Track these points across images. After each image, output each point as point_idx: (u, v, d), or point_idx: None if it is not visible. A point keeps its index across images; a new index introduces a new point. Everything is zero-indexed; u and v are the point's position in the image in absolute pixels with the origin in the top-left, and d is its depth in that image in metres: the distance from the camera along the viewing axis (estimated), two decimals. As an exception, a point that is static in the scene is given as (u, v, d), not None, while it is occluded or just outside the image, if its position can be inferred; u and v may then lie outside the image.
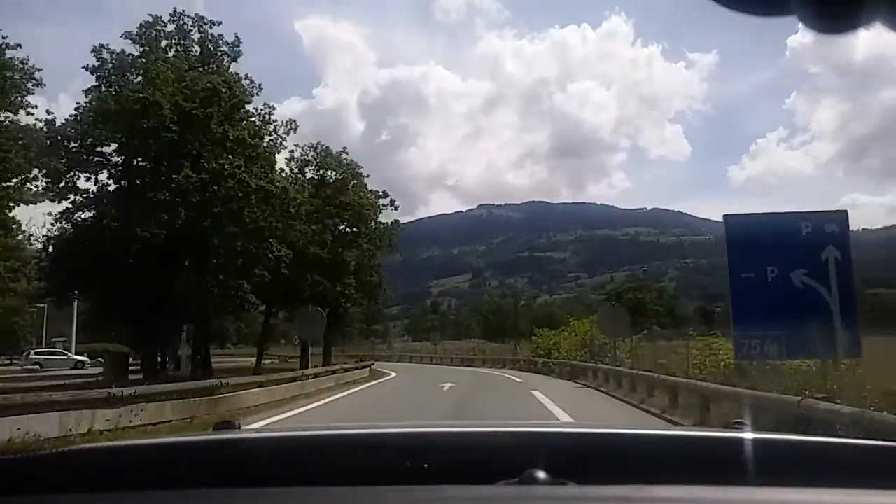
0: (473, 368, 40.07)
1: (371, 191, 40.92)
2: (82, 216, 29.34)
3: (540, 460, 1.25)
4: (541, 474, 1.20)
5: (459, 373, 35.38)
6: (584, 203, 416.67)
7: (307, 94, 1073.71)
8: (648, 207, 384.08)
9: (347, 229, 39.64)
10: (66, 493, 1.28)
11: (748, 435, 1.48)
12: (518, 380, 28.83)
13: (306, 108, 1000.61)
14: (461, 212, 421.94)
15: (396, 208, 43.56)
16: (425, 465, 1.31)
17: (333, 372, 27.31)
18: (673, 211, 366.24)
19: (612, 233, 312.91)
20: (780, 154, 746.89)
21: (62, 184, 28.15)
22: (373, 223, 40.20)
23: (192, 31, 30.51)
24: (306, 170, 38.96)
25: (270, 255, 29.39)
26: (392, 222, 43.35)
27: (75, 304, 37.99)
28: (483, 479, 1.21)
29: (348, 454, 1.46)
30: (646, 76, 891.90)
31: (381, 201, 41.27)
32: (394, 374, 34.73)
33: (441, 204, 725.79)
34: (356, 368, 30.85)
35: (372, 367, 35.54)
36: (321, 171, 39.48)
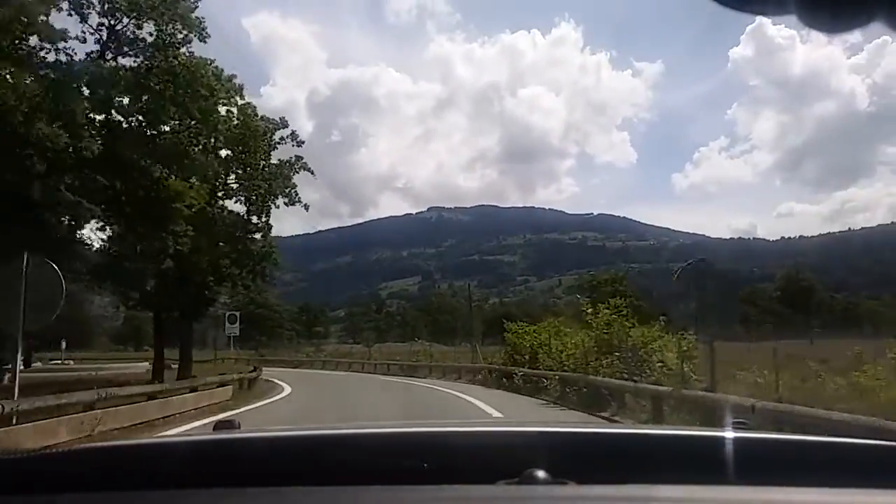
0: (414, 381, 28.31)
1: (263, 117, 27.79)
2: None
3: (540, 460, 1.23)
4: (541, 474, 1.18)
5: (390, 389, 23.75)
6: (533, 207, 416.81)
7: (255, 92, 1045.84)
8: (595, 213, 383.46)
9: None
10: (66, 493, 1.25)
11: (748, 435, 1.47)
12: (488, 408, 15.75)
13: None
14: (411, 214, 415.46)
15: (300, 144, 28.82)
16: (425, 465, 1.28)
17: (192, 390, 16.75)
18: (619, 216, 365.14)
19: (561, 237, 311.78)
20: (722, 162, 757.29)
21: None
22: (262, 162, 27.14)
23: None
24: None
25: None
26: (293, 158, 28.52)
27: None
28: (483, 479, 1.19)
29: (348, 454, 1.43)
30: (594, 83, 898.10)
31: (281, 133, 28.10)
32: (283, 394, 21.75)
33: (391, 206, 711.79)
34: (220, 385, 18.08)
35: (255, 378, 24.61)
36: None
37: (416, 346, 38.67)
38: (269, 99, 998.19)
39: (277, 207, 27.82)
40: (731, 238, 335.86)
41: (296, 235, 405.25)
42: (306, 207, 28.53)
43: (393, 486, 1.18)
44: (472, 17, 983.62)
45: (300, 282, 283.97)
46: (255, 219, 28.04)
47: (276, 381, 26.37)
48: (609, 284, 67.74)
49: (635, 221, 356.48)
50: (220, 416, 16.73)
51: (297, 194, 27.77)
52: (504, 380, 22.57)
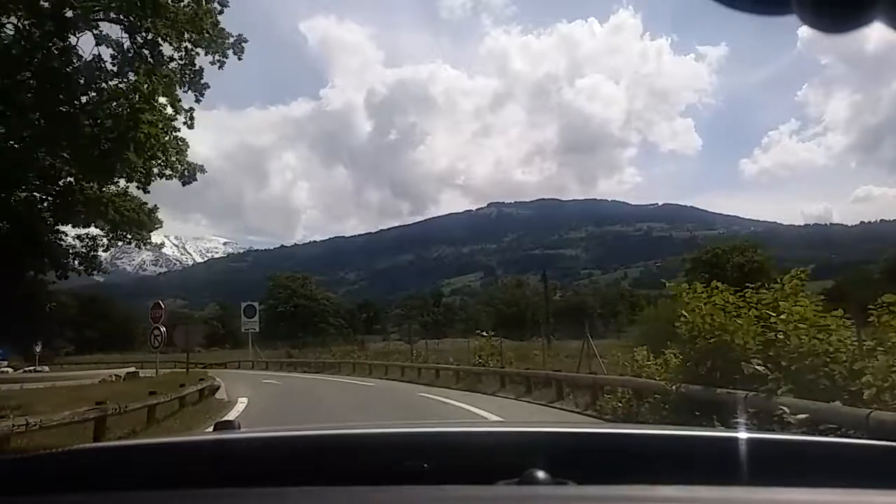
0: (478, 403, 15.39)
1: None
2: None
3: (540, 460, 1.21)
4: (541, 474, 1.16)
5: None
6: (594, 199, 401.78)
7: (314, 94, 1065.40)
8: (660, 203, 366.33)
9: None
10: (66, 493, 1.24)
11: (748, 435, 1.44)
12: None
13: (314, 110, 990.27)
14: (471, 210, 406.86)
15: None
16: (425, 465, 1.27)
17: None
18: (685, 206, 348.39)
19: (625, 229, 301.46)
20: (793, 146, 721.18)
21: None
22: None
23: None
24: None
25: None
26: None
27: None
28: (483, 479, 1.17)
29: (348, 454, 1.43)
30: (655, 70, 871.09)
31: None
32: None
33: (451, 203, 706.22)
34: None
35: (206, 394, 16.68)
36: None
37: (478, 342, 26.02)
38: (329, 101, 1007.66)
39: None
40: (805, 224, 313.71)
41: (358, 235, 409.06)
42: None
43: (393, 486, 1.15)
44: (527, 8, 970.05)
45: (362, 280, 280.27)
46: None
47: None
48: (738, 253, 53.84)
49: (702, 210, 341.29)
50: None
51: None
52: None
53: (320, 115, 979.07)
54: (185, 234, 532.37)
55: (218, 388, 18.35)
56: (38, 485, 1.26)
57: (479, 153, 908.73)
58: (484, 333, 24.56)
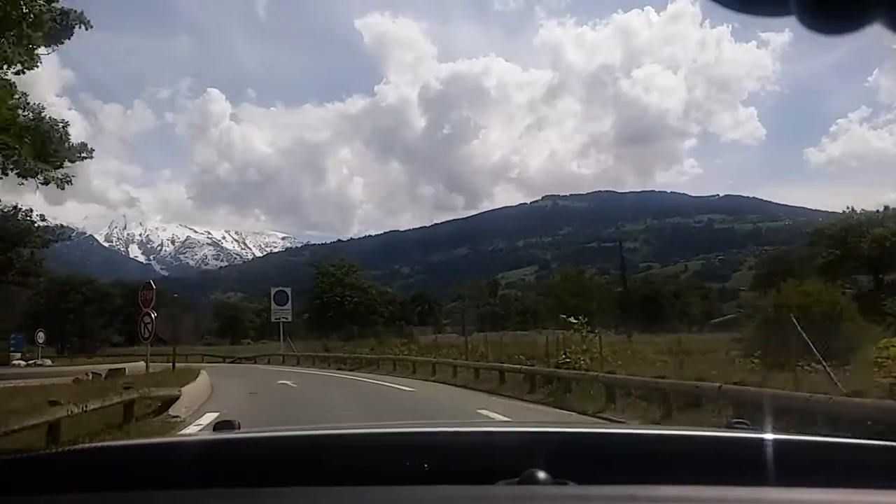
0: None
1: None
2: None
3: (540, 460, 1.19)
4: (541, 474, 1.15)
5: None
6: (653, 191, 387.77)
7: (369, 91, 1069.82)
8: (721, 194, 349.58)
9: None
10: (66, 493, 1.23)
11: (748, 435, 1.46)
12: None
13: (369, 105, 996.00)
14: (525, 204, 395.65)
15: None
16: (425, 465, 1.25)
17: None
18: (748, 197, 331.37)
19: (685, 221, 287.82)
20: (863, 134, 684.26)
21: None
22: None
23: None
24: None
25: None
26: None
27: None
28: (483, 479, 1.16)
29: (348, 454, 1.41)
30: (715, 58, 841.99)
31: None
32: None
33: (505, 196, 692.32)
34: None
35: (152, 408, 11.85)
36: None
37: (557, 334, 19.00)
38: (384, 97, 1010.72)
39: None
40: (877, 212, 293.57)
41: (413, 229, 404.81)
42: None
43: (393, 486, 1.14)
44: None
45: (418, 274, 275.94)
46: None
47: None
48: (877, 225, 44.43)
49: (766, 201, 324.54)
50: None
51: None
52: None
53: (375, 110, 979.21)
54: (245, 229, 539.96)
55: (174, 398, 12.01)
56: (38, 485, 1.24)
57: (534, 146, 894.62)
58: (573, 319, 17.15)
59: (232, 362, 43.69)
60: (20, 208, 38.22)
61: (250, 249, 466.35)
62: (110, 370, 20.96)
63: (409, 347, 31.97)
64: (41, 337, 33.44)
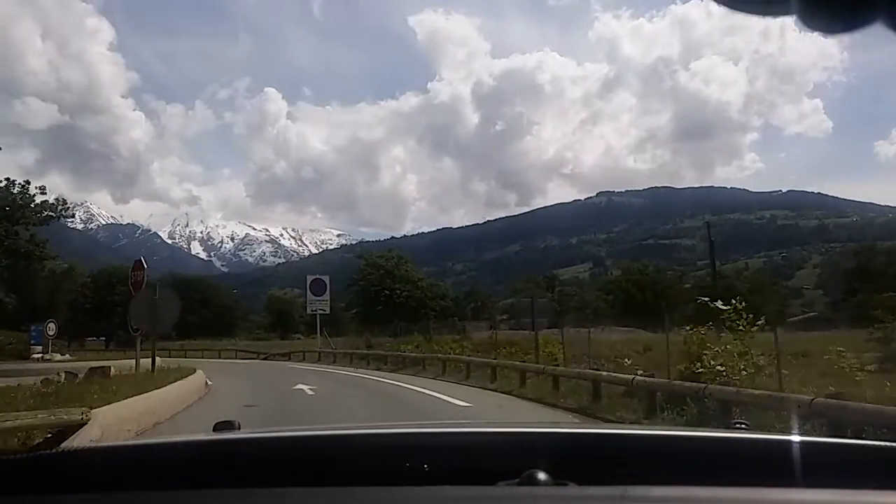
0: None
1: None
2: None
3: (540, 460, 1.18)
4: (541, 475, 1.13)
5: None
6: (711, 187, 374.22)
7: (422, 88, 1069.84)
8: (784, 189, 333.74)
9: None
10: (66, 493, 1.21)
11: (748, 435, 1.45)
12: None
13: (422, 103, 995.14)
14: (579, 200, 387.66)
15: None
16: (425, 466, 1.24)
17: None
18: (812, 192, 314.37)
19: (745, 217, 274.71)
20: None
21: None
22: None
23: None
24: None
25: None
26: None
27: None
28: (483, 479, 1.15)
29: (348, 454, 1.39)
30: (778, 49, 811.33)
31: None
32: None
33: (558, 193, 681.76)
34: None
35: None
36: None
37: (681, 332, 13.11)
38: (436, 94, 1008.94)
39: None
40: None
41: (465, 226, 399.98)
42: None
43: (393, 486, 1.12)
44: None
45: (470, 271, 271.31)
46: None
47: None
48: None
49: (832, 197, 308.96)
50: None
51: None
52: None
53: (428, 107, 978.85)
54: (302, 227, 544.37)
55: (75, 425, 6.94)
56: (38, 485, 1.22)
57: (588, 141, 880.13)
58: (721, 305, 11.15)
59: (265, 359, 39.89)
60: (12, 180, 32.63)
61: (307, 246, 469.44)
62: (90, 369, 16.25)
63: (461, 345, 26.45)
64: (51, 328, 29.40)
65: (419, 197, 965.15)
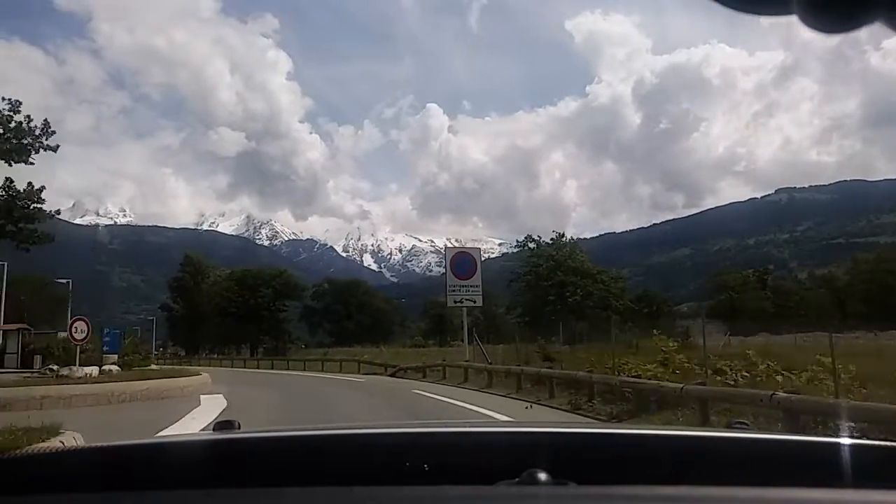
0: None
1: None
2: None
3: (540, 460, 1.16)
4: (541, 474, 1.12)
5: None
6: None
7: (580, 92, 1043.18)
8: None
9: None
10: (66, 493, 1.20)
11: (748, 435, 1.44)
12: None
13: (581, 107, 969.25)
14: (756, 199, 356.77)
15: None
16: (425, 465, 1.22)
17: None
18: None
19: None
20: None
21: None
22: None
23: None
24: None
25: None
26: None
27: None
28: (483, 479, 1.13)
29: (348, 454, 1.39)
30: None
31: None
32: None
33: (731, 192, 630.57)
34: None
35: None
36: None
37: None
38: (596, 96, 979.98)
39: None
40: None
41: (630, 230, 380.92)
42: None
43: (393, 486, 1.12)
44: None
45: (636, 276, 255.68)
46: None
47: None
48: None
49: None
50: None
51: None
52: None
53: (587, 111, 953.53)
54: (464, 237, 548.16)
55: None
56: (38, 485, 1.21)
57: (763, 135, 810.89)
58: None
59: (392, 374, 31.32)
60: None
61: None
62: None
63: (679, 361, 17.15)
64: (80, 328, 20.26)
65: (580, 202, 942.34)
